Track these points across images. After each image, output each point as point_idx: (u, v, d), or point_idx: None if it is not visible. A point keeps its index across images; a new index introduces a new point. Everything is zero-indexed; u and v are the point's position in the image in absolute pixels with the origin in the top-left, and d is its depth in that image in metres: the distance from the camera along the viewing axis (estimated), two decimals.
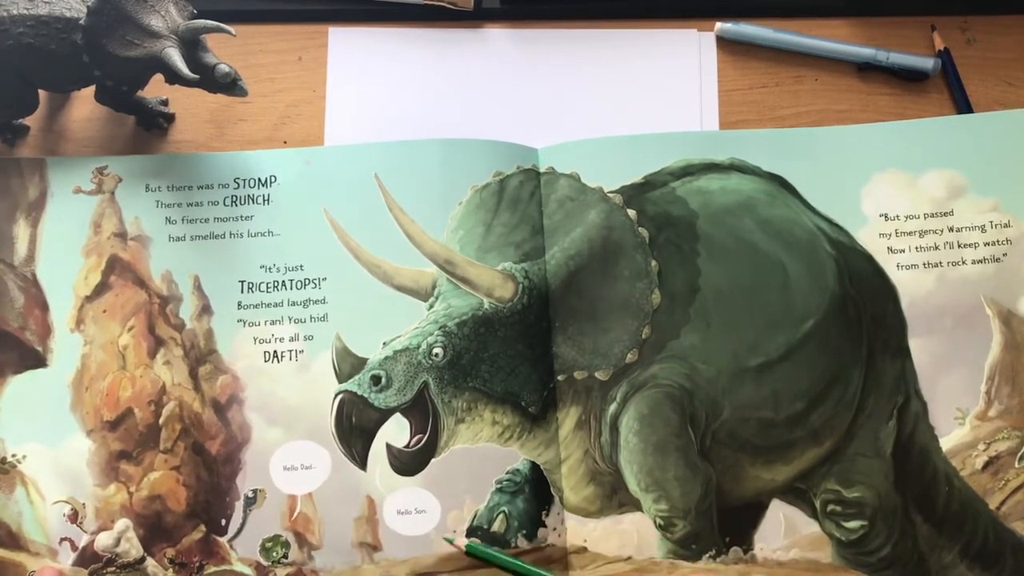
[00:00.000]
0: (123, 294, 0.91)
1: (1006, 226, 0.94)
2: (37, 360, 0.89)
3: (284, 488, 0.88)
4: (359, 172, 0.95)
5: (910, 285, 0.93)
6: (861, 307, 0.92)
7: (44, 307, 0.90)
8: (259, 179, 0.95)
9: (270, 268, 0.92)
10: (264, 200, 0.94)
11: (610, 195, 0.94)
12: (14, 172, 0.94)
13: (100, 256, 0.92)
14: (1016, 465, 0.89)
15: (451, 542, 0.86)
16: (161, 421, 0.88)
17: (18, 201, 0.93)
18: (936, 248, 0.94)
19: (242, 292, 0.92)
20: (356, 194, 0.94)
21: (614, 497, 0.90)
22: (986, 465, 0.90)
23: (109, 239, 0.93)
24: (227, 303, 0.92)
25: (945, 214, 0.95)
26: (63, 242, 0.92)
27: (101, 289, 0.91)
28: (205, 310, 0.91)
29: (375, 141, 0.98)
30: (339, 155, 0.97)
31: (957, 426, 0.90)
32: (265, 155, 0.96)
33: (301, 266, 0.92)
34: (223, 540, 0.87)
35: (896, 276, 0.93)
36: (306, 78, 1.02)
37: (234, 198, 0.94)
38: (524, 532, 0.88)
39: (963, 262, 0.94)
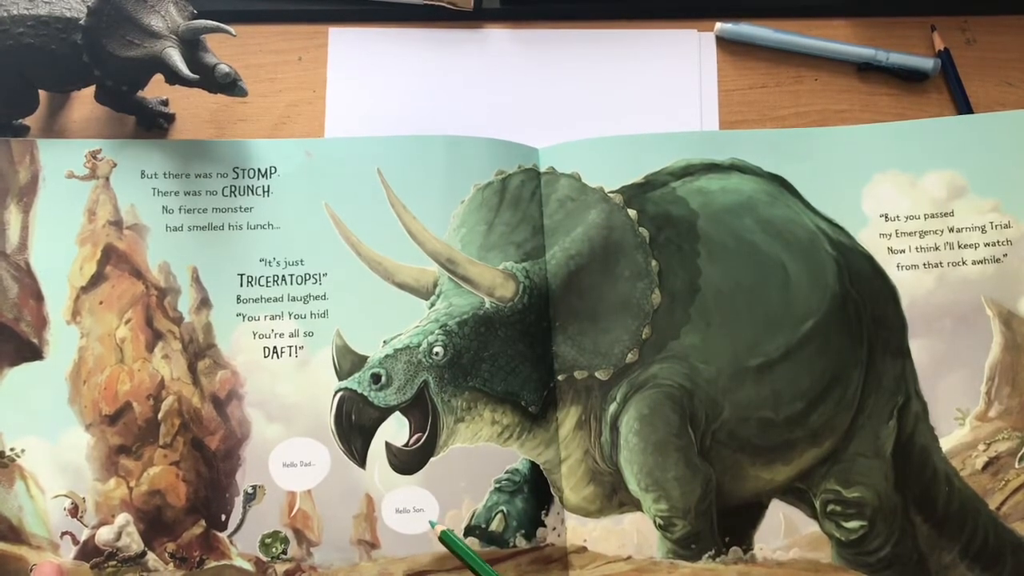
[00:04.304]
0: (120, 285, 0.91)
1: (1006, 227, 0.94)
2: (33, 352, 0.89)
3: (283, 485, 0.88)
4: (361, 166, 0.95)
5: (910, 285, 0.93)
6: (861, 307, 0.92)
7: (39, 297, 0.90)
8: (259, 170, 0.95)
9: (270, 262, 0.92)
10: (264, 191, 0.94)
11: (610, 195, 0.94)
12: (3, 154, 0.93)
13: (95, 245, 0.91)
14: (1016, 465, 0.89)
15: (433, 525, 0.86)
16: (160, 416, 0.88)
17: (8, 185, 0.92)
18: (936, 248, 0.94)
19: (241, 286, 0.91)
20: (358, 189, 0.94)
21: (614, 497, 0.90)
22: (986, 465, 0.90)
23: (104, 227, 0.92)
24: (226, 296, 0.91)
25: (945, 214, 0.95)
26: (56, 229, 0.92)
27: (97, 280, 0.91)
28: (204, 303, 0.91)
29: (376, 135, 0.98)
30: (340, 148, 0.96)
31: (957, 426, 0.90)
32: (265, 145, 0.96)
33: (301, 260, 0.92)
34: (223, 535, 0.87)
35: (896, 276, 0.93)
36: (306, 78, 1.03)
37: (233, 188, 0.94)
38: (523, 532, 0.88)
39: (963, 263, 0.94)
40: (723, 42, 1.05)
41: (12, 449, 0.86)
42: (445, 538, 0.85)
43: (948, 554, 0.88)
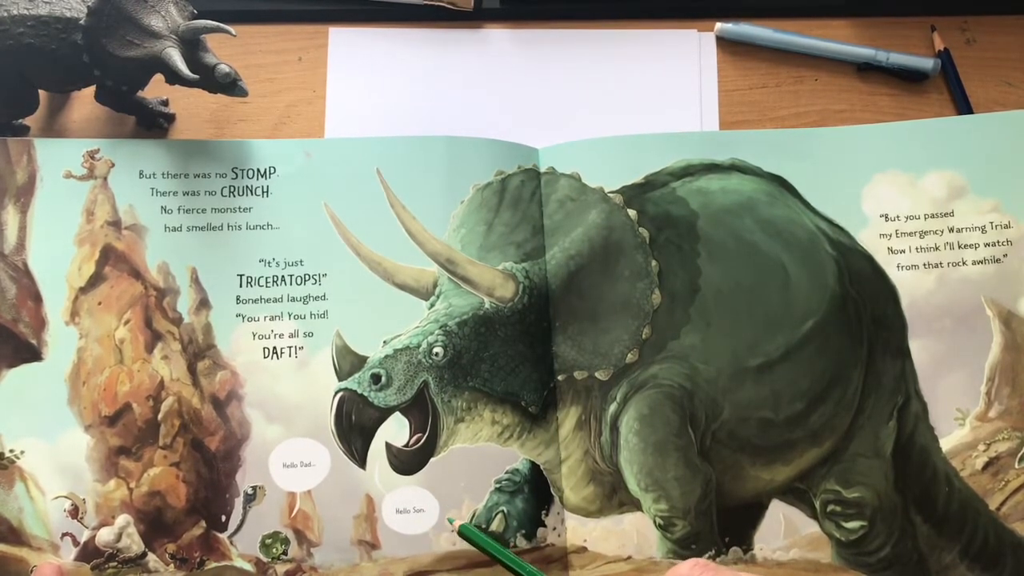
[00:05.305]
0: (119, 286, 0.91)
1: (1006, 227, 0.94)
2: (32, 353, 0.88)
3: (284, 485, 0.88)
4: (360, 166, 0.95)
5: (910, 285, 0.93)
6: (861, 307, 0.92)
7: (37, 298, 0.89)
8: (258, 170, 0.94)
9: (269, 262, 0.92)
10: (263, 192, 0.94)
11: (610, 195, 0.94)
12: (1, 154, 0.93)
13: (93, 246, 0.91)
14: (1016, 466, 0.89)
15: (451, 521, 0.86)
16: (160, 417, 0.88)
17: (6, 185, 0.92)
18: (936, 249, 0.94)
19: (241, 286, 0.91)
20: (357, 189, 0.94)
21: (614, 497, 0.89)
22: (986, 466, 0.89)
23: (102, 227, 0.92)
24: (225, 297, 0.91)
25: (945, 215, 0.95)
26: (54, 230, 0.91)
27: (96, 280, 0.90)
28: (203, 304, 0.91)
29: (376, 136, 0.98)
30: (340, 148, 0.96)
31: (957, 427, 0.90)
32: (264, 145, 0.96)
33: (301, 261, 0.92)
34: (223, 536, 0.87)
35: (896, 276, 0.93)
36: (306, 78, 1.03)
37: (232, 188, 0.94)
38: (523, 532, 0.88)
39: (963, 263, 0.93)
40: (723, 42, 1.05)
41: (12, 451, 0.86)
42: (465, 531, 0.85)
43: (948, 554, 0.88)
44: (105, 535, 0.85)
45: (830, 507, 0.89)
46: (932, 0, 1.06)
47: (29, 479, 0.86)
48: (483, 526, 0.87)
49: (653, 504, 0.88)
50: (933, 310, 0.93)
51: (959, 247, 0.94)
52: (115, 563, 0.85)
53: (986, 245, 0.94)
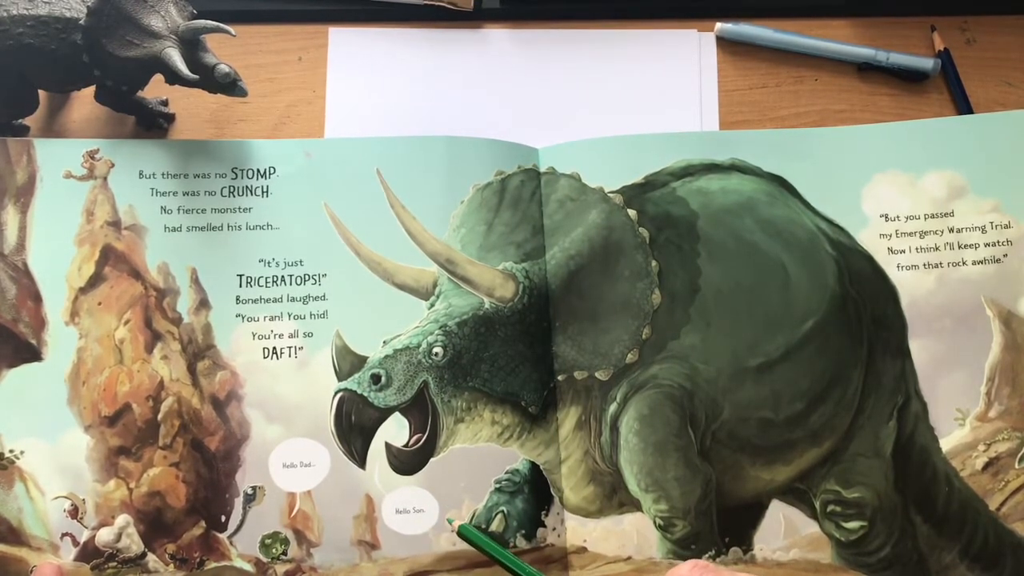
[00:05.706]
0: (118, 286, 0.91)
1: (1006, 227, 0.94)
2: (32, 353, 0.88)
3: (283, 485, 0.87)
4: (360, 166, 0.95)
5: (910, 285, 0.93)
6: (861, 307, 0.92)
7: (37, 298, 0.89)
8: (258, 170, 0.94)
9: (269, 262, 0.92)
10: (263, 192, 0.94)
11: (610, 195, 0.94)
12: (0, 154, 0.93)
13: (93, 246, 0.91)
14: (1016, 466, 0.89)
15: (451, 522, 0.86)
16: (159, 417, 0.88)
17: (6, 185, 0.92)
18: (936, 249, 0.94)
19: (240, 286, 0.91)
20: (357, 189, 0.94)
21: (614, 497, 0.89)
22: (986, 466, 0.89)
23: (102, 228, 0.92)
24: (225, 297, 0.91)
25: (945, 215, 0.95)
26: (54, 230, 0.91)
27: (95, 280, 0.90)
28: (203, 304, 0.91)
29: (376, 136, 0.98)
30: (340, 148, 0.96)
31: (957, 427, 0.90)
32: (264, 145, 0.96)
33: (301, 261, 0.92)
34: (223, 536, 0.87)
35: (896, 276, 0.93)
36: (306, 78, 1.03)
37: (232, 188, 0.94)
38: (523, 532, 0.88)
39: (963, 263, 0.93)
40: (723, 42, 1.05)
41: (11, 451, 0.86)
42: (465, 532, 0.85)
43: (948, 554, 0.88)
44: (105, 535, 0.85)
45: (830, 507, 0.89)
46: (932, 0, 1.06)
47: (29, 479, 0.86)
48: (483, 526, 0.87)
49: (653, 504, 0.88)
50: (933, 310, 0.92)
51: (959, 247, 0.94)
52: (115, 563, 0.85)
53: (986, 245, 0.94)
